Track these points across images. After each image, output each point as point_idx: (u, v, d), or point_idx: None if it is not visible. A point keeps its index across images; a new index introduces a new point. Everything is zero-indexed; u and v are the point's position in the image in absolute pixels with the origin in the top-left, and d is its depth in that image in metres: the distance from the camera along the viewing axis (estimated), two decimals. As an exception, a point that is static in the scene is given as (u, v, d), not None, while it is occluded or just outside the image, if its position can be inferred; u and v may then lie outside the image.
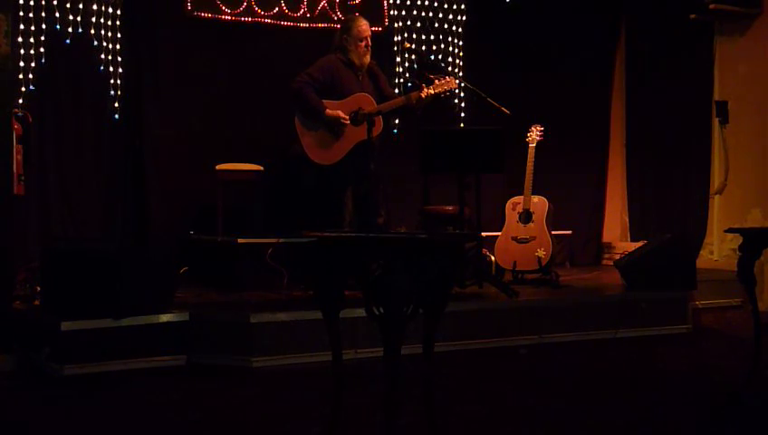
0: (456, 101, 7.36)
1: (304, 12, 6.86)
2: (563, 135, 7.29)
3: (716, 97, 7.39)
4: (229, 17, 6.63)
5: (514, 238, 6.14)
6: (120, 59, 6.29)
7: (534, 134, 6.23)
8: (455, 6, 7.40)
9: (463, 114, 7.39)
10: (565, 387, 4.14)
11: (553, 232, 6.17)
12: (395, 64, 7.16)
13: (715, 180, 7.42)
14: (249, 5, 6.68)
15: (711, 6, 6.95)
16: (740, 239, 3.82)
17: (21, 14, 5.85)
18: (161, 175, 6.48)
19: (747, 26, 7.15)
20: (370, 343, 4.42)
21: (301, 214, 6.40)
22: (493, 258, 6.08)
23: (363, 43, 5.68)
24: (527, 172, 6.15)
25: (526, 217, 6.16)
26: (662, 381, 4.26)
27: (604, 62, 8.05)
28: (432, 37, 7.34)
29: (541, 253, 6.02)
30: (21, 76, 5.83)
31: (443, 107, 6.90)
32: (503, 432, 3.34)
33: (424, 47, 7.27)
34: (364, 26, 5.71)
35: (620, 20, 8.07)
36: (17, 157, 4.91)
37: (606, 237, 8.12)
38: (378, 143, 5.55)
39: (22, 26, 5.86)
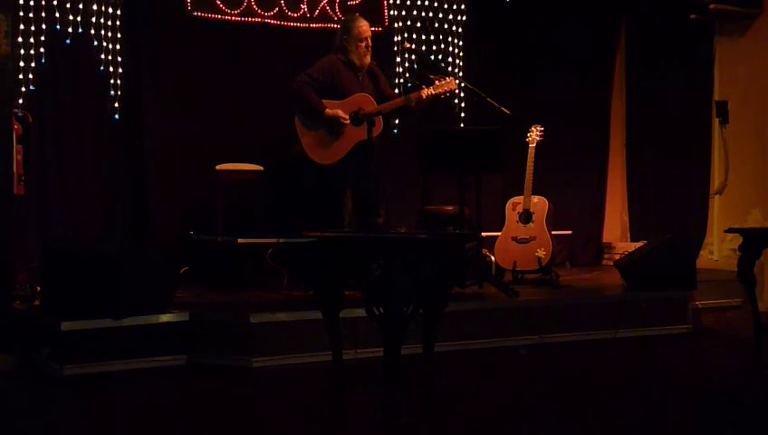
0: (456, 101, 7.37)
1: (304, 12, 6.86)
2: (563, 135, 7.28)
3: (716, 97, 7.40)
4: (229, 17, 6.63)
5: (514, 238, 6.14)
6: (119, 59, 6.29)
7: (534, 134, 6.23)
8: (455, 6, 7.41)
9: (463, 114, 7.40)
10: (565, 387, 4.14)
11: (553, 232, 6.17)
12: (395, 64, 7.16)
13: (715, 180, 7.43)
14: (249, 5, 6.68)
15: (711, 6, 6.95)
16: (740, 239, 3.82)
17: (21, 14, 5.85)
18: (161, 175, 6.48)
19: (747, 26, 7.15)
20: (370, 343, 4.42)
21: (301, 214, 6.40)
22: (493, 258, 6.08)
23: (363, 44, 5.68)
24: (527, 172, 6.15)
25: (526, 217, 6.16)
26: (662, 381, 4.26)
27: (604, 62, 8.05)
28: (432, 37, 7.34)
29: (541, 253, 6.02)
30: (21, 76, 5.83)
31: (443, 107, 6.90)
32: (503, 432, 3.34)
33: (424, 47, 7.28)
34: (364, 27, 5.71)
35: (620, 20, 8.07)
36: (17, 157, 4.91)
37: (606, 237, 8.12)
38: (378, 143, 5.55)
39: (22, 26, 5.87)
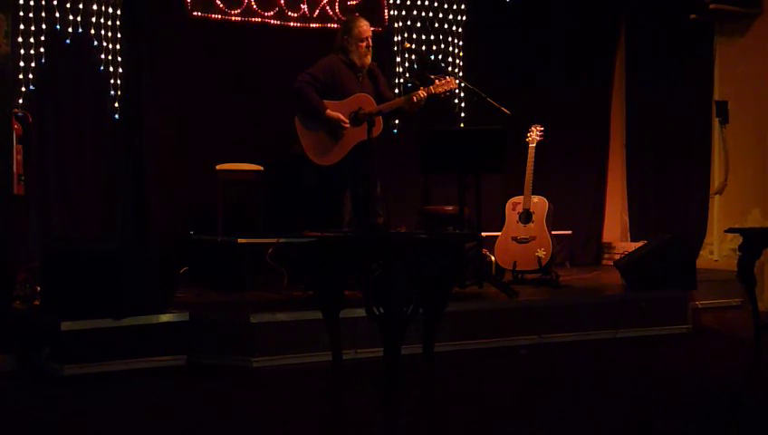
0: (456, 101, 7.37)
1: (304, 12, 6.86)
2: (563, 135, 7.28)
3: (716, 97, 7.40)
4: (229, 17, 6.63)
5: (514, 238, 6.14)
6: (119, 59, 6.29)
7: (534, 134, 6.23)
8: (455, 6, 7.41)
9: (463, 114, 7.40)
10: (565, 387, 4.14)
11: (553, 232, 6.17)
12: (395, 64, 7.16)
13: (715, 180, 7.43)
14: (249, 5, 6.68)
15: (711, 6, 6.96)
16: (740, 239, 3.82)
17: (21, 14, 5.85)
18: (161, 175, 6.48)
19: (747, 26, 7.16)
20: (370, 343, 4.42)
21: (301, 214, 6.40)
22: (493, 258, 6.08)
23: (364, 44, 5.68)
24: (527, 172, 6.15)
25: (526, 217, 6.16)
26: (662, 381, 4.26)
27: (604, 62, 8.05)
28: (432, 37, 7.34)
29: (541, 253, 6.02)
30: (21, 76, 5.83)
31: (443, 107, 6.90)
32: (503, 432, 3.34)
33: (424, 47, 7.27)
34: (364, 27, 5.71)
35: (620, 20, 8.06)
36: (17, 157, 4.91)
37: (606, 237, 8.11)
38: (377, 143, 5.55)
39: (22, 26, 5.86)
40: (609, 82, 8.09)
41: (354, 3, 6.99)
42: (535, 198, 6.17)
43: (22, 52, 5.85)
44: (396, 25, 7.21)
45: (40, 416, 3.61)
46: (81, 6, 6.12)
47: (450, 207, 6.29)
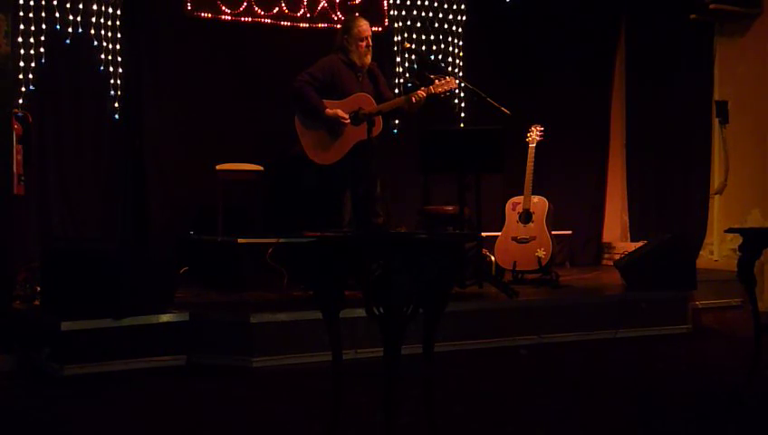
0: (456, 101, 7.37)
1: (304, 12, 6.86)
2: (563, 135, 7.28)
3: (716, 97, 7.40)
4: (229, 17, 6.64)
5: (514, 238, 6.14)
6: (119, 59, 6.29)
7: (534, 134, 6.23)
8: (455, 6, 7.41)
9: (463, 114, 7.40)
10: (565, 387, 4.14)
11: (553, 232, 6.17)
12: (395, 64, 7.16)
13: (715, 180, 7.43)
14: (249, 5, 6.68)
15: (711, 6, 6.96)
16: (740, 239, 3.82)
17: (21, 14, 5.85)
18: (161, 175, 6.48)
19: (747, 26, 7.16)
20: (370, 343, 4.42)
21: (301, 214, 6.40)
22: (493, 258, 6.07)
23: (364, 43, 5.68)
24: (527, 172, 6.15)
25: (526, 217, 6.16)
26: (662, 381, 4.26)
27: (604, 62, 8.05)
28: (432, 37, 7.34)
29: (541, 253, 6.02)
30: (21, 76, 5.83)
31: (443, 107, 6.90)
32: (503, 432, 3.34)
33: (424, 47, 7.28)
34: (364, 26, 5.71)
35: (620, 20, 8.06)
36: (17, 157, 4.90)
37: (606, 237, 8.11)
38: (377, 143, 5.55)
39: (22, 26, 5.87)
40: (609, 82, 8.09)
41: (354, 3, 6.99)
42: (535, 198, 6.17)
43: (22, 52, 5.85)
44: (396, 25, 7.21)
45: (40, 416, 3.61)
46: (81, 6, 6.13)
47: (450, 207, 6.29)
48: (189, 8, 6.49)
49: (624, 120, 8.12)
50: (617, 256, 6.96)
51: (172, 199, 6.51)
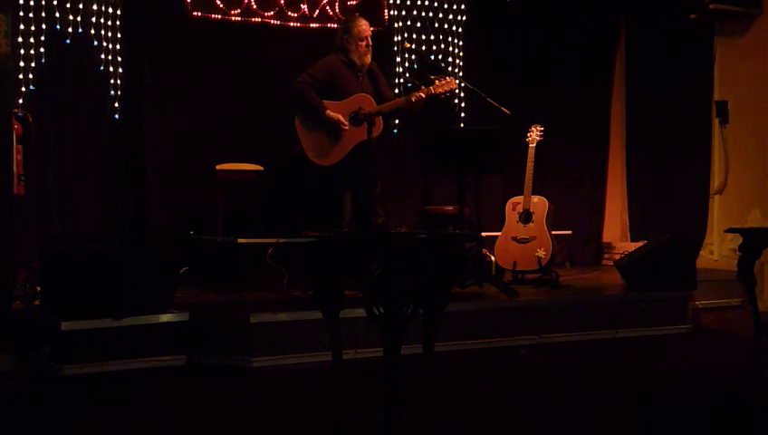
0: (456, 101, 7.37)
1: (304, 12, 6.86)
2: (563, 135, 7.28)
3: (716, 97, 7.40)
4: (229, 17, 6.64)
5: (514, 238, 6.14)
6: (119, 59, 6.29)
7: (534, 134, 6.23)
8: (455, 6, 7.41)
9: (463, 114, 7.40)
10: (565, 387, 4.14)
11: (553, 232, 6.16)
12: (395, 64, 7.16)
13: (715, 180, 7.43)
14: (249, 5, 6.68)
15: (711, 6, 6.95)
16: (740, 239, 3.82)
17: (21, 14, 5.85)
18: (161, 175, 6.48)
19: (747, 26, 7.15)
20: (370, 343, 4.42)
21: (301, 214, 6.40)
22: (493, 258, 6.07)
23: (364, 43, 5.68)
24: (527, 172, 6.15)
25: (526, 217, 6.15)
26: (662, 381, 4.26)
27: (604, 62, 8.05)
28: (432, 37, 7.34)
29: (541, 253, 6.02)
30: (21, 76, 5.83)
31: (443, 107, 6.90)
32: (503, 432, 3.34)
33: (424, 47, 7.28)
34: (364, 26, 5.72)
35: (620, 20, 8.07)
36: (17, 157, 4.90)
37: (606, 237, 8.12)
38: (377, 143, 5.55)
39: (22, 26, 5.87)
40: (609, 82, 8.09)
41: (354, 3, 6.99)
42: (535, 198, 6.17)
43: (22, 52, 5.86)
44: (396, 25, 7.21)
45: (40, 416, 3.61)
46: (81, 6, 6.13)
47: (450, 207, 6.29)
48: (189, 8, 6.49)
49: (624, 120, 8.13)
50: (617, 256, 6.96)
51: (172, 199, 6.51)
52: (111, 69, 6.27)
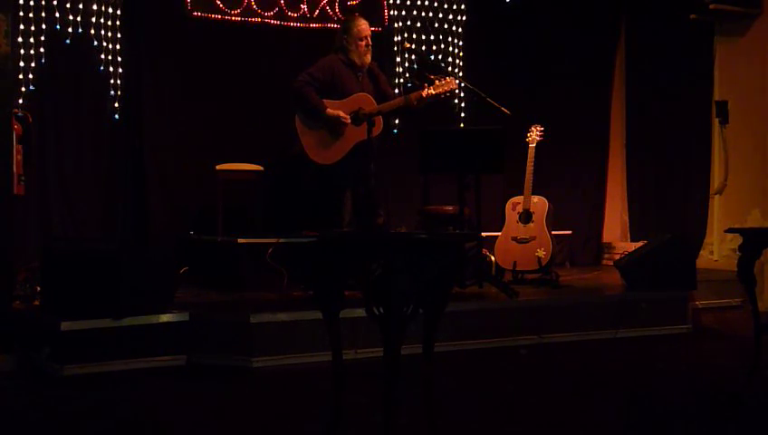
0: (456, 101, 7.37)
1: (304, 12, 6.86)
2: (563, 135, 7.29)
3: (716, 97, 7.40)
4: (229, 17, 6.64)
5: (514, 238, 6.14)
6: (120, 59, 6.29)
7: (534, 134, 6.23)
8: (455, 6, 7.41)
9: (463, 114, 7.40)
10: (565, 387, 4.14)
11: (553, 232, 6.16)
12: (395, 64, 7.16)
13: (715, 180, 7.43)
14: (249, 5, 6.68)
15: (711, 6, 6.95)
16: (740, 239, 3.82)
17: (21, 14, 5.86)
18: (161, 175, 6.49)
19: (747, 26, 7.15)
20: (370, 343, 4.42)
21: (301, 214, 6.40)
22: (493, 258, 6.08)
23: (363, 43, 5.69)
24: (527, 172, 6.15)
25: (526, 217, 6.15)
26: (662, 381, 4.26)
27: (604, 62, 8.05)
28: (432, 37, 7.35)
29: (541, 253, 6.02)
30: (21, 76, 5.83)
31: (443, 107, 6.90)
32: (503, 432, 3.34)
33: (424, 47, 7.28)
34: (364, 26, 5.72)
35: (620, 20, 8.07)
36: (17, 157, 4.90)
37: (606, 237, 8.12)
38: (377, 143, 5.55)
39: (22, 26, 5.87)
40: (609, 82, 8.10)
41: (354, 3, 6.99)
42: (535, 198, 6.17)
43: (22, 52, 5.86)
44: (396, 25, 7.21)
45: (40, 416, 3.61)
46: (81, 6, 6.13)
47: (450, 207, 6.29)
48: (189, 8, 6.49)
49: (624, 120, 8.13)
50: (617, 256, 6.96)
51: (172, 199, 6.51)
52: (111, 69, 6.27)
